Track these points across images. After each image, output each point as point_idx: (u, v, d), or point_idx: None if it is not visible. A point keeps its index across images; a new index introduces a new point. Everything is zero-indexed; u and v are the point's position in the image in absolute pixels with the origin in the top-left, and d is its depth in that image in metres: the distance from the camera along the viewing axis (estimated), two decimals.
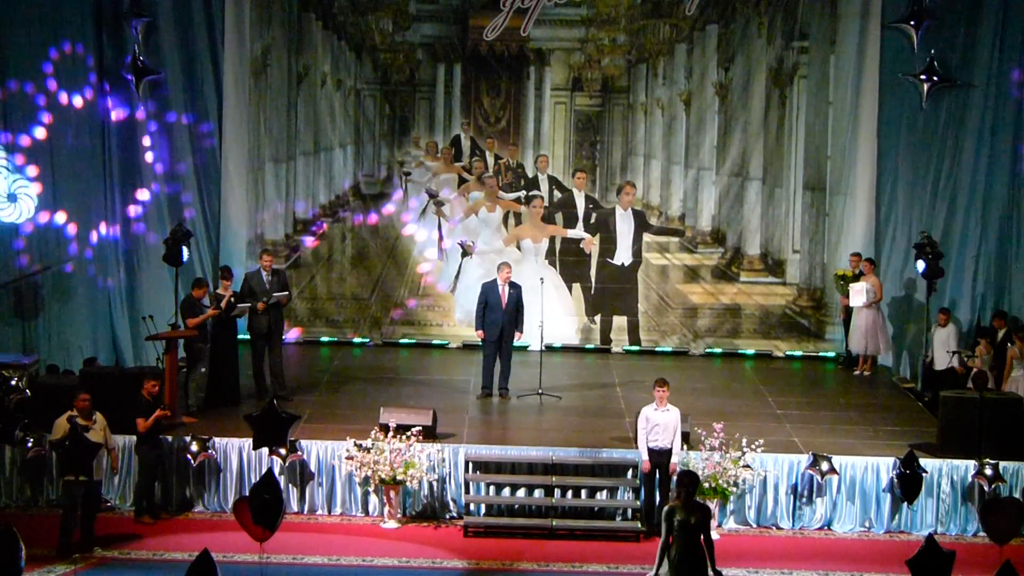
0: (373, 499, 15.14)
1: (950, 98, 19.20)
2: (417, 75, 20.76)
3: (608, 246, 20.44)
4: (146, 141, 19.65)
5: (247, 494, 13.16)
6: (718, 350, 20.46)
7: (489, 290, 17.29)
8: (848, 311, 19.32)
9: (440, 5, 20.65)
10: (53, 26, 18.20)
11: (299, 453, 15.10)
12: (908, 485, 14.45)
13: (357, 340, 20.63)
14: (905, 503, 14.71)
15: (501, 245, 20.59)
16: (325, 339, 20.66)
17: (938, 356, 18.10)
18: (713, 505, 14.65)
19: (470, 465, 15.10)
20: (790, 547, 14.60)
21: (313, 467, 15.20)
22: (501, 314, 17.23)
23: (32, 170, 18.14)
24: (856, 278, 18.94)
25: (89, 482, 13.79)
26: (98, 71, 19.16)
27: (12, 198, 18.10)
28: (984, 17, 18.90)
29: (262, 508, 11.70)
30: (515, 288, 17.31)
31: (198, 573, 10.05)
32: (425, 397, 17.10)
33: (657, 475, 14.61)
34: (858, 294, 18.75)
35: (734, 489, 14.75)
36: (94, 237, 19.02)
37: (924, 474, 14.61)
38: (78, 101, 18.65)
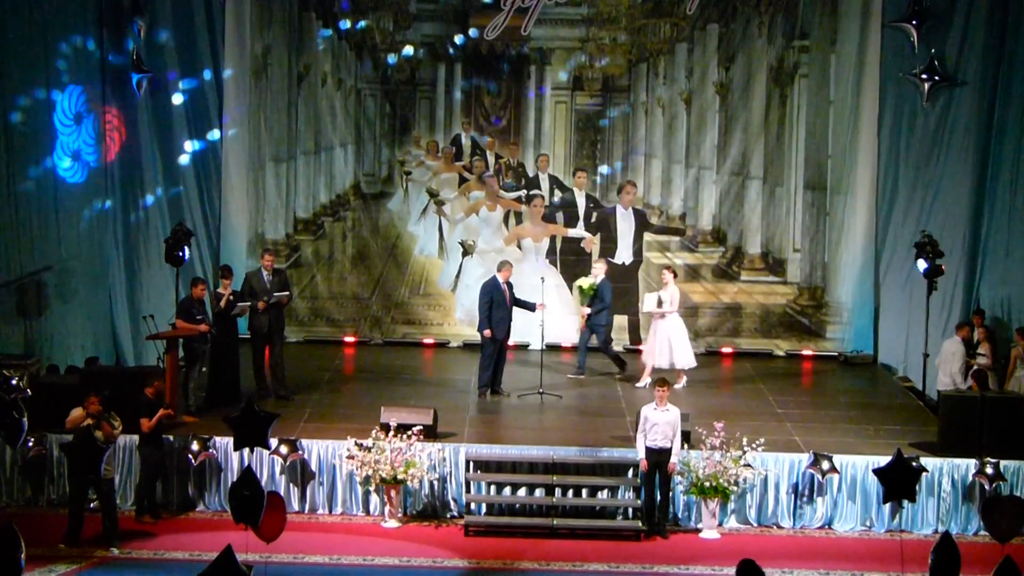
0: (374, 498, 15.14)
1: (950, 97, 19.19)
2: (417, 74, 20.77)
3: (609, 245, 20.43)
4: (146, 140, 19.69)
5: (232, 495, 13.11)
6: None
7: (493, 288, 17.32)
8: (586, 322, 18.40)
9: (441, 5, 20.66)
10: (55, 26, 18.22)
11: (300, 452, 15.11)
12: (894, 484, 13.86)
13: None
14: (900, 501, 14.63)
15: (502, 244, 20.60)
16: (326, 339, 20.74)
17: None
18: (714, 504, 14.67)
19: (471, 464, 15.09)
20: (791, 546, 14.60)
21: (314, 466, 15.20)
22: (506, 312, 17.28)
23: None
24: (594, 290, 18.02)
25: (98, 479, 13.98)
26: (100, 70, 19.18)
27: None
28: (984, 16, 18.88)
29: (242, 505, 11.54)
30: (509, 286, 17.40)
31: (221, 573, 9.92)
32: (426, 396, 17.11)
33: (657, 475, 14.62)
34: (649, 301, 18.04)
35: (735, 488, 14.74)
36: (96, 236, 19.09)
37: (924, 473, 14.56)
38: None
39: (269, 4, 20.38)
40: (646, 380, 17.83)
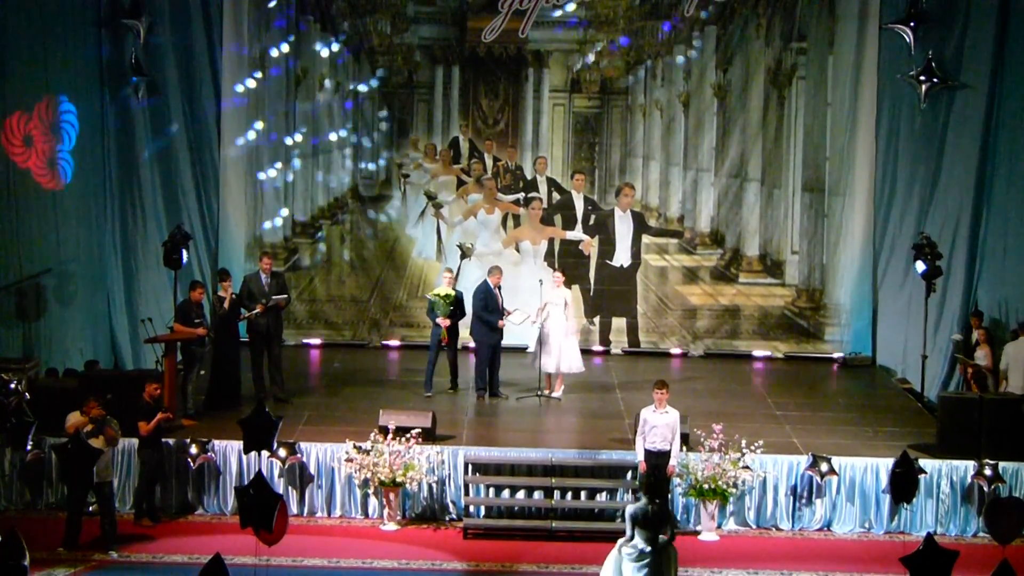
0: (373, 501, 15.14)
1: (948, 98, 19.19)
2: (415, 77, 20.77)
3: (607, 248, 20.45)
4: (144, 143, 19.69)
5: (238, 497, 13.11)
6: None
7: (486, 293, 17.34)
8: (449, 333, 17.47)
9: (438, 7, 20.66)
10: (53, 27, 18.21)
11: (298, 455, 15.11)
12: (902, 486, 14.14)
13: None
14: (904, 504, 14.67)
15: (500, 247, 20.60)
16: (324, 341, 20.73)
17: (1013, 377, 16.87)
18: (713, 506, 14.67)
19: (469, 467, 15.09)
20: (790, 548, 14.60)
21: (312, 469, 15.20)
22: (499, 316, 17.29)
23: None
24: (451, 299, 17.19)
25: (92, 483, 13.93)
26: (98, 72, 19.19)
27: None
28: (982, 17, 18.88)
29: (251, 507, 11.52)
30: (500, 289, 17.46)
31: None
32: (424, 399, 17.12)
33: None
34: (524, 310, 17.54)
35: (734, 490, 14.74)
36: (95, 240, 19.08)
37: (922, 475, 14.58)
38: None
39: (267, 7, 20.37)
40: (549, 389, 17.54)
